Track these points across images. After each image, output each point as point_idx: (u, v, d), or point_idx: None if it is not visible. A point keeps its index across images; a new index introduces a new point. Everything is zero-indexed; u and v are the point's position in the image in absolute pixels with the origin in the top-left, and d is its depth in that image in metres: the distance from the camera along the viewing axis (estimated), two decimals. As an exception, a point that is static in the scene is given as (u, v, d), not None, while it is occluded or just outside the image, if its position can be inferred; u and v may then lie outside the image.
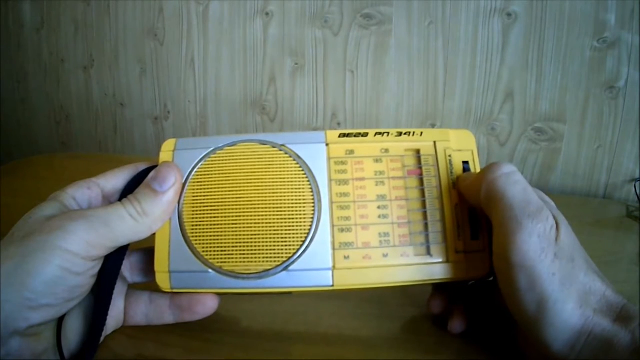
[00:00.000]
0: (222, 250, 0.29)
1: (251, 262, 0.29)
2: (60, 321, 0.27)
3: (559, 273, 0.24)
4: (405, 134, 0.32)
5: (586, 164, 0.64)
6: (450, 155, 0.31)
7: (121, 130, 0.88)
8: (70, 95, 0.90)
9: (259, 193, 0.30)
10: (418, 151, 0.32)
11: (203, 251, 0.29)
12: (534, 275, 0.24)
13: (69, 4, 0.85)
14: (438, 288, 0.32)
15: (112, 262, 0.28)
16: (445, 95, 0.67)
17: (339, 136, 0.32)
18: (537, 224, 0.25)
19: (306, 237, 0.29)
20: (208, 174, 0.31)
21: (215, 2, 0.74)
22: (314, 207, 0.30)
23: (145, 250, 0.32)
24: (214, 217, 0.30)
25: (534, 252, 0.25)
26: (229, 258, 0.29)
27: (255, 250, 0.29)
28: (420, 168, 0.31)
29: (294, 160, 0.31)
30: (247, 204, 0.30)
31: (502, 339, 0.30)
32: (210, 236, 0.29)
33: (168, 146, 0.31)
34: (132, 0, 0.80)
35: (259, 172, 0.30)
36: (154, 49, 0.80)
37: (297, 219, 0.29)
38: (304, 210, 0.30)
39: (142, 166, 0.31)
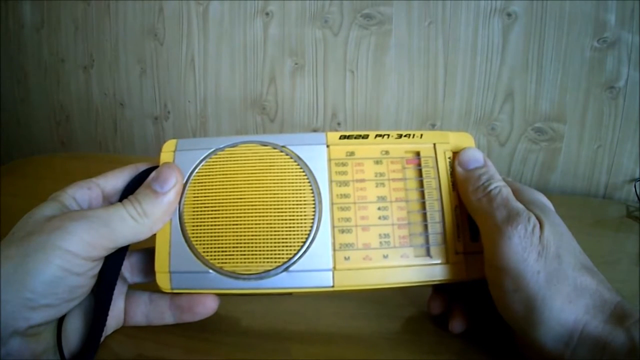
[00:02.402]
0: (222, 251, 0.29)
1: (252, 262, 0.29)
2: (60, 321, 0.27)
3: (544, 271, 0.25)
4: (405, 136, 0.32)
5: (586, 164, 0.64)
6: (449, 157, 0.32)
7: (121, 130, 0.88)
8: (70, 95, 0.90)
9: (259, 194, 0.30)
10: (418, 153, 0.32)
11: (203, 251, 0.29)
12: (519, 276, 0.25)
13: (69, 4, 0.85)
14: (438, 289, 0.32)
15: (112, 262, 0.28)
16: (445, 95, 0.67)
17: (340, 138, 0.32)
18: (517, 225, 0.26)
19: (307, 238, 0.29)
20: (209, 175, 0.31)
21: (215, 2, 0.74)
22: (314, 208, 0.30)
23: (146, 250, 0.32)
24: (215, 218, 0.30)
25: (515, 253, 0.25)
26: (229, 258, 0.29)
27: (256, 250, 0.29)
28: (420, 172, 0.31)
29: (295, 161, 0.31)
30: (248, 205, 0.30)
31: (502, 338, 0.30)
32: (211, 237, 0.29)
33: (169, 147, 0.31)
34: (132, 0, 0.80)
35: (259, 173, 0.30)
36: (154, 49, 0.80)
37: (297, 219, 0.29)
38: (305, 211, 0.30)
39: (142, 166, 0.31)
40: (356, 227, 0.30)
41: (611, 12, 0.58)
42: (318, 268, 0.29)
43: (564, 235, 0.27)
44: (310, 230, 0.29)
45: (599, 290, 0.25)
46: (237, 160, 0.31)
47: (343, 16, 0.69)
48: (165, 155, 0.31)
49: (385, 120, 0.71)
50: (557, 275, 0.25)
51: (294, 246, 0.29)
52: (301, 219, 0.29)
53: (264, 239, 0.29)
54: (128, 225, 0.27)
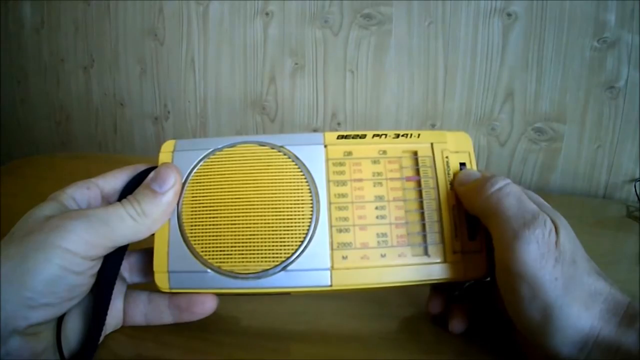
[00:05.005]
0: (220, 251, 0.29)
1: (250, 262, 0.29)
2: (59, 320, 0.27)
3: (561, 277, 0.24)
4: (402, 135, 0.32)
5: (586, 164, 0.64)
6: (447, 157, 0.31)
7: (121, 130, 0.88)
8: (70, 95, 0.90)
9: (257, 194, 0.30)
10: (415, 153, 0.32)
11: (202, 251, 0.29)
12: (536, 283, 0.24)
13: (69, 4, 0.85)
14: (436, 288, 0.32)
15: (112, 262, 0.28)
16: (445, 95, 0.67)
17: (337, 138, 0.32)
18: (534, 230, 0.25)
19: (304, 238, 0.29)
20: (207, 175, 0.31)
21: (215, 2, 0.74)
22: (312, 207, 0.30)
23: (145, 250, 0.32)
24: (213, 218, 0.30)
25: (533, 259, 0.24)
26: (227, 258, 0.29)
27: (254, 250, 0.29)
28: (418, 172, 0.31)
29: (293, 161, 0.31)
30: (246, 205, 0.30)
31: (502, 338, 0.30)
32: (209, 236, 0.29)
33: (167, 147, 0.32)
34: (132, 0, 0.80)
35: (257, 173, 0.30)
36: (154, 49, 0.80)
37: (295, 219, 0.29)
38: (303, 211, 0.30)
39: (141, 167, 0.31)
40: (354, 226, 0.30)
41: (611, 12, 0.58)
42: (316, 267, 0.29)
43: (575, 240, 0.26)
44: (308, 230, 0.29)
45: (612, 293, 0.25)
46: (236, 160, 0.31)
47: (343, 16, 0.69)
48: (164, 155, 0.31)
49: (385, 120, 0.71)
50: (573, 282, 0.24)
51: (292, 246, 0.29)
52: (299, 219, 0.29)
53: (262, 238, 0.29)
54: (127, 224, 0.27)
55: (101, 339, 0.29)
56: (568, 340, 0.24)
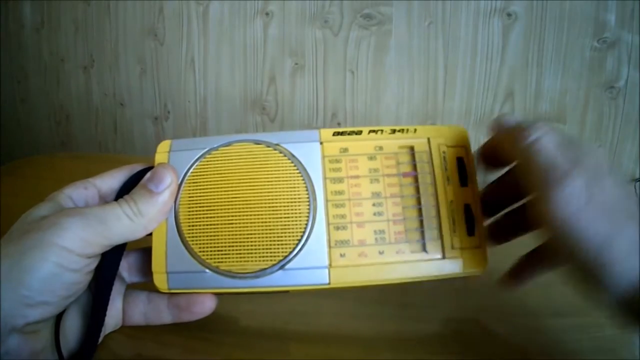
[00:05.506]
0: (218, 250, 0.29)
1: (248, 261, 0.29)
2: (58, 320, 0.27)
3: (602, 231, 0.23)
4: (399, 131, 0.32)
5: (586, 164, 0.64)
6: (444, 152, 0.31)
7: (121, 130, 0.88)
8: (70, 95, 0.90)
9: (254, 192, 0.30)
10: (412, 148, 0.31)
11: (200, 251, 0.29)
12: (572, 239, 0.23)
13: (69, 4, 0.85)
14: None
15: (110, 260, 0.28)
16: (445, 95, 0.67)
17: (333, 134, 0.31)
18: (564, 189, 0.24)
19: (302, 236, 0.29)
20: (203, 175, 0.31)
21: (215, 2, 0.74)
22: (309, 205, 0.30)
23: (143, 250, 0.31)
24: (210, 217, 0.30)
25: (563, 217, 0.24)
26: (225, 258, 0.29)
27: (252, 249, 0.29)
28: (415, 167, 0.31)
29: (289, 159, 0.30)
30: (243, 204, 0.30)
31: (503, 338, 0.30)
32: (207, 236, 0.29)
33: (163, 147, 0.31)
34: (132, 0, 0.80)
35: (253, 171, 0.30)
36: (154, 49, 0.81)
37: (292, 217, 0.29)
38: (299, 209, 0.30)
39: (138, 167, 0.31)
40: (351, 223, 0.30)
41: (611, 12, 0.58)
42: (314, 265, 0.29)
43: (620, 187, 0.25)
44: (305, 228, 0.29)
45: None
46: (231, 159, 0.31)
47: (343, 16, 0.69)
48: (160, 155, 0.31)
49: (385, 120, 0.71)
50: (616, 233, 0.23)
51: (289, 244, 0.29)
52: (296, 217, 0.29)
53: (259, 237, 0.29)
54: (123, 223, 0.27)
55: (100, 338, 0.29)
56: (624, 275, 0.23)
